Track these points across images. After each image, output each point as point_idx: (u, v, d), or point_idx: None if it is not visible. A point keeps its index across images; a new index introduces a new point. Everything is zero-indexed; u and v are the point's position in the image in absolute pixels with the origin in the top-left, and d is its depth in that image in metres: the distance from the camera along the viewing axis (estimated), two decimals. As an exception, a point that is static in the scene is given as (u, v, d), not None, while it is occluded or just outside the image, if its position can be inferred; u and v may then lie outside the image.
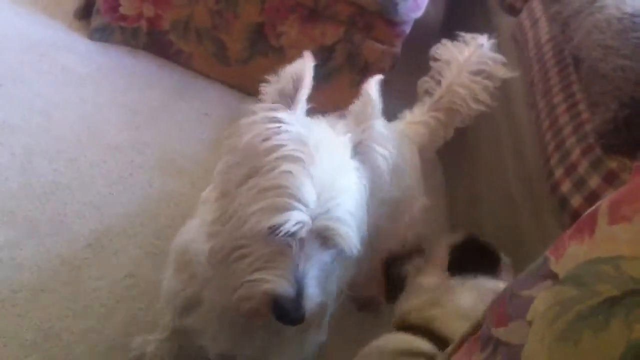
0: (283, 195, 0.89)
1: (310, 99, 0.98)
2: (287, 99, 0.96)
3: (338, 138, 0.99)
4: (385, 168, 1.01)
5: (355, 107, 1.03)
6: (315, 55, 0.99)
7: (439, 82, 1.50)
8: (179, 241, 1.16)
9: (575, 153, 1.24)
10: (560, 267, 0.62)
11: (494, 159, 1.75)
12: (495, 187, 1.71)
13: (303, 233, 0.90)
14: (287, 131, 0.93)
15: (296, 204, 0.88)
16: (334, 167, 0.94)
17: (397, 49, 2.07)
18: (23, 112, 1.84)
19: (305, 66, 0.96)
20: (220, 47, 2.17)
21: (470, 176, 1.87)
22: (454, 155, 1.82)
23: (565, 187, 1.23)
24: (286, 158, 0.91)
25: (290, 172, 0.90)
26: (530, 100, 1.55)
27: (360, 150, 1.00)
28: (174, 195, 1.77)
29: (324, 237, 0.92)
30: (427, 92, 1.53)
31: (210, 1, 2.08)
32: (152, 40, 2.20)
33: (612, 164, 1.16)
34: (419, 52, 1.63)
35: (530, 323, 0.61)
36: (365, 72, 2.03)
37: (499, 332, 0.67)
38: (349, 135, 0.99)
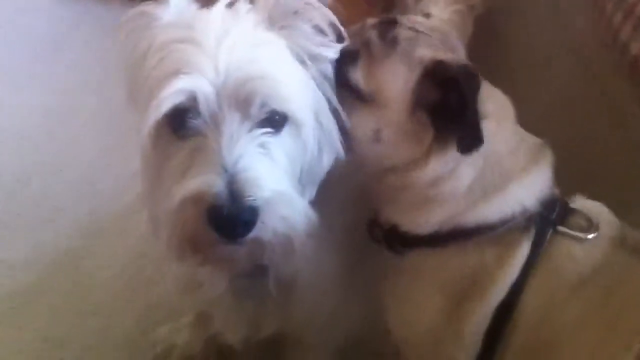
0: (164, 77, 0.67)
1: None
2: None
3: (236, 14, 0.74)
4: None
5: None
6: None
7: None
8: None
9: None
10: None
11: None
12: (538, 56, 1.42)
13: (210, 106, 0.67)
14: (157, 25, 0.73)
15: (181, 75, 0.66)
16: (231, 30, 0.70)
17: None
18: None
19: None
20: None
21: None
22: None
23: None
24: (161, 47, 0.70)
25: (167, 55, 0.69)
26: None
27: (277, 16, 0.74)
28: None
29: (245, 101, 0.68)
30: None
31: None
32: (123, -18, 1.93)
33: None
34: None
35: None
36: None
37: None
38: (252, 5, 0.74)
